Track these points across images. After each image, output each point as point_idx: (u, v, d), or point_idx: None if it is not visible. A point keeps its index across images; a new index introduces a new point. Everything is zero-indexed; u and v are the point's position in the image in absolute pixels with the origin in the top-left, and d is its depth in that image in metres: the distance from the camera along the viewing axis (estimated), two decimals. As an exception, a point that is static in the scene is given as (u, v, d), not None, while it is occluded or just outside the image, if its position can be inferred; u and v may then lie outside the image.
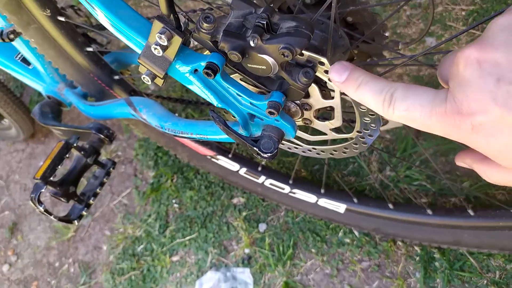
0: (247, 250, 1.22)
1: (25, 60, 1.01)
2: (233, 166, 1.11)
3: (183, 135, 0.70)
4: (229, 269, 1.23)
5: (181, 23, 0.47)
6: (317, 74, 0.50)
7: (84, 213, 0.86)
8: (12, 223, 1.54)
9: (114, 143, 1.53)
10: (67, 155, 0.81)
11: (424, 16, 1.26)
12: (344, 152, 0.65)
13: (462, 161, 0.37)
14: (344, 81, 0.37)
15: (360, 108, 0.53)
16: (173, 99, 1.10)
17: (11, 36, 0.84)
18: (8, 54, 1.00)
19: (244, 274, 1.21)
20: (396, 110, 0.33)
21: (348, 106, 0.57)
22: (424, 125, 0.32)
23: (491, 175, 0.34)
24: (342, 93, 0.53)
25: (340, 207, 1.05)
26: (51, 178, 0.79)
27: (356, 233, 1.14)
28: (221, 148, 1.11)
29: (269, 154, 0.55)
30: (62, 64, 0.86)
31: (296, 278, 1.14)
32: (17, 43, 0.89)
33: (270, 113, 0.52)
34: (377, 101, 0.34)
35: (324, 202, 1.06)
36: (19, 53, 1.00)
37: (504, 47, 0.26)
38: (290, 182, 1.09)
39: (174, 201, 1.36)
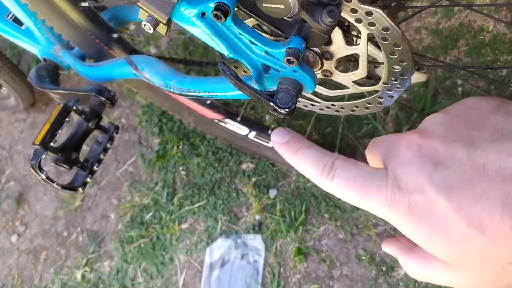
0: (257, 217, 1.19)
1: (17, 20, 0.94)
2: (242, 130, 1.06)
3: (190, 94, 0.65)
4: (240, 236, 1.20)
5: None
6: (342, 14, 0.44)
7: (88, 180, 0.82)
8: (18, 193, 1.52)
9: (116, 110, 1.48)
10: (67, 119, 0.76)
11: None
12: (367, 108, 0.59)
13: (388, 248, 0.37)
14: (285, 142, 0.37)
15: (390, 55, 0.47)
16: (176, 60, 1.04)
17: (-1, -9, 0.77)
18: (-2, 13, 0.93)
19: (255, 241, 1.19)
20: (336, 177, 0.33)
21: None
22: (361, 198, 0.32)
23: (413, 269, 0.34)
24: (369, 39, 0.47)
25: (354, 170, 1.00)
26: (52, 144, 0.75)
27: (371, 197, 1.10)
28: (229, 111, 1.06)
29: (287, 110, 0.50)
30: (57, 22, 0.80)
31: (308, 243, 1.12)
32: (6, 0, 0.82)
33: (289, 61, 0.46)
34: (317, 166, 0.34)
35: (338, 166, 1.02)
36: (10, 12, 0.94)
37: (442, 137, 0.31)
38: (302, 145, 1.04)
39: (181, 168, 1.33)
